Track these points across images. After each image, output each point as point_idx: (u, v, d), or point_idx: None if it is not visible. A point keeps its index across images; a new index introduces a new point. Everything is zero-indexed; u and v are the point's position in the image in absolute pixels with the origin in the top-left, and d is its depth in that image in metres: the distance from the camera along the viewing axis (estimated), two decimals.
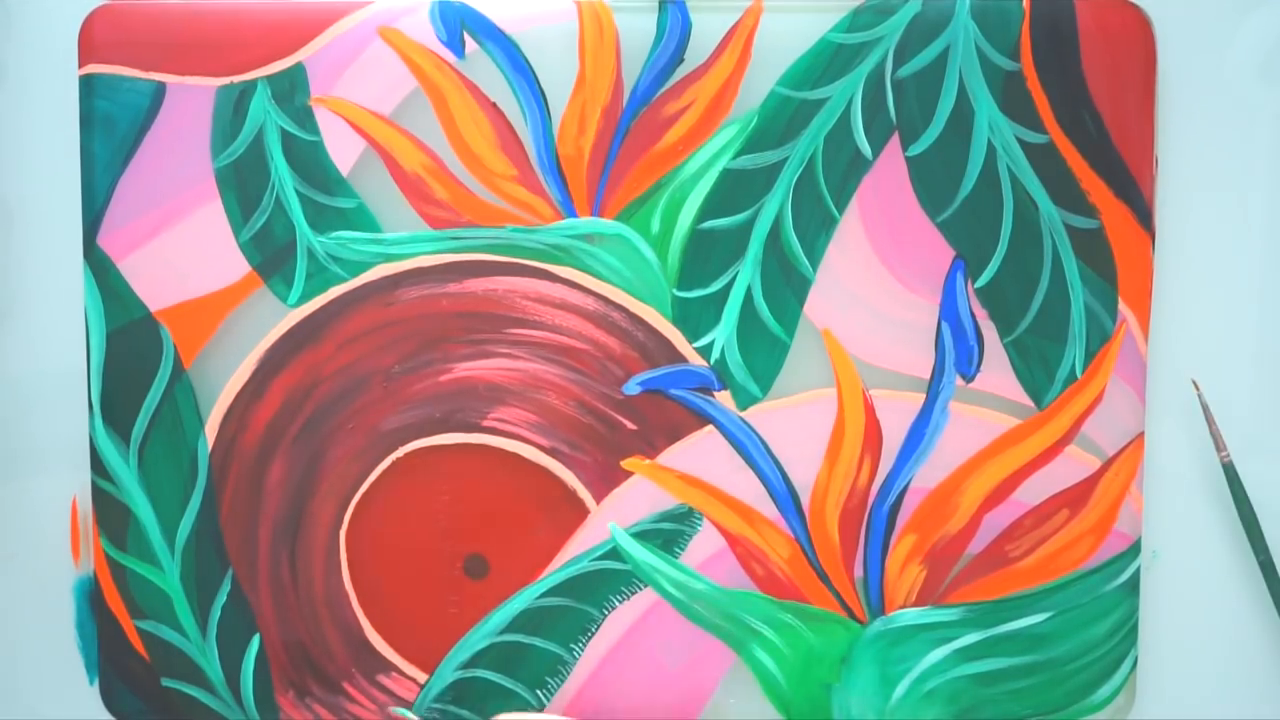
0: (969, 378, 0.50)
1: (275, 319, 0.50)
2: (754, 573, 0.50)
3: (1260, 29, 0.51)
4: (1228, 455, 0.50)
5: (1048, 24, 0.49)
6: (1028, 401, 0.50)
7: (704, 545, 0.50)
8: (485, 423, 0.50)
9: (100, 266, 0.49)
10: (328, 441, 0.50)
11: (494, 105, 0.49)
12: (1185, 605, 0.52)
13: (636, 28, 0.49)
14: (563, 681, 0.51)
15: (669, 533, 0.50)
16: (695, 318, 0.50)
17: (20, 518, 0.52)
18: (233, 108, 0.49)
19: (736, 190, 0.49)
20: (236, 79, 0.49)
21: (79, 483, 0.51)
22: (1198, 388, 0.50)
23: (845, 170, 0.49)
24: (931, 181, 0.49)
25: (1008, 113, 0.49)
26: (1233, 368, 0.52)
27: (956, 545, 0.50)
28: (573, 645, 0.50)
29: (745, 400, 0.50)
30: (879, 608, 0.50)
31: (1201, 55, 0.51)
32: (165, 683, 0.51)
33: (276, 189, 0.49)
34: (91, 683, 0.52)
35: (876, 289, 0.50)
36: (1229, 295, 0.52)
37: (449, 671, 0.50)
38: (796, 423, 0.50)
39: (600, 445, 0.50)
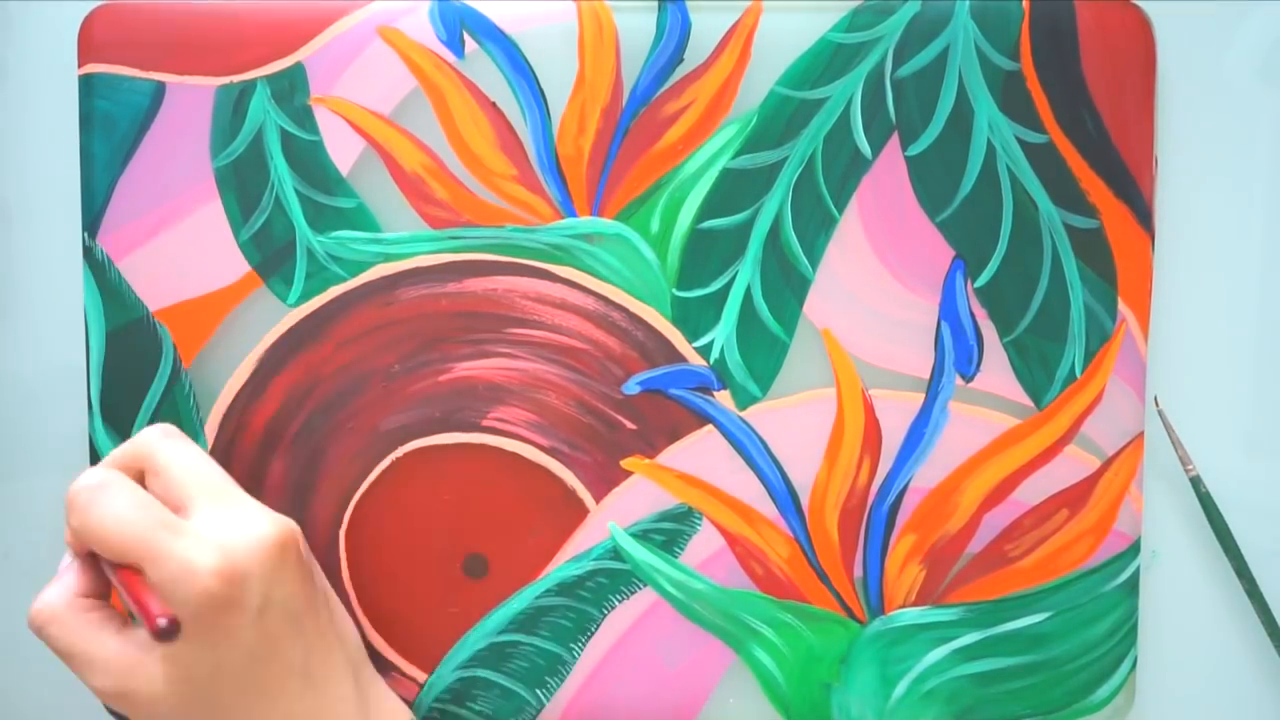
0: (969, 377, 0.50)
1: (275, 319, 0.50)
2: (754, 572, 0.50)
3: (1260, 29, 0.51)
4: (1194, 469, 0.50)
5: (1048, 24, 0.49)
6: (1027, 401, 0.50)
7: (704, 545, 0.50)
8: (485, 422, 0.50)
9: (100, 266, 0.49)
10: (327, 441, 0.50)
11: (494, 105, 0.49)
12: (1185, 605, 0.52)
13: (636, 27, 0.49)
14: (562, 681, 0.51)
15: (669, 532, 0.50)
16: (695, 317, 0.50)
17: (19, 517, 0.52)
18: (232, 107, 0.49)
19: (736, 190, 0.49)
20: (236, 79, 0.49)
21: None
22: (1159, 404, 0.51)
23: (845, 170, 0.49)
24: (931, 181, 0.49)
25: (1007, 112, 0.49)
26: (1233, 368, 0.52)
27: (956, 545, 0.50)
28: (573, 645, 0.50)
29: (745, 400, 0.50)
30: (879, 607, 0.50)
31: (1201, 55, 0.51)
32: None
33: (276, 189, 0.49)
34: None
35: (876, 289, 0.50)
36: (1229, 295, 0.51)
37: (449, 671, 0.50)
38: (796, 422, 0.50)
39: (600, 445, 0.50)
